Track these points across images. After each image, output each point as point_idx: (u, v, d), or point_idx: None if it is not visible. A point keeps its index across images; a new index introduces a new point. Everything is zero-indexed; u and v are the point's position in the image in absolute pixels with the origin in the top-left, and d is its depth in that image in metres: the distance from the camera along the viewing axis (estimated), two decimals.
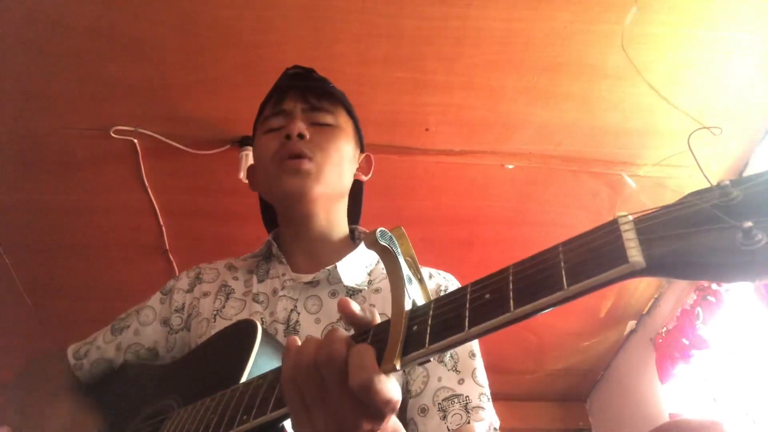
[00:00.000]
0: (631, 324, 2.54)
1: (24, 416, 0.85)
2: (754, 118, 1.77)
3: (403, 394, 0.81)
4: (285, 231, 1.01)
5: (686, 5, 1.51)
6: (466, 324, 0.46)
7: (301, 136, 0.95)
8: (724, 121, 1.77)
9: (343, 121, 1.03)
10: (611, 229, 0.42)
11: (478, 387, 0.81)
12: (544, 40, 1.60)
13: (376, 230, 0.51)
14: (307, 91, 1.01)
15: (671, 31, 1.56)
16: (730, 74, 1.66)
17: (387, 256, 0.52)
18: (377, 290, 0.92)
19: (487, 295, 0.47)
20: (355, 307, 0.54)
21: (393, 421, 0.55)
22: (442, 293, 0.90)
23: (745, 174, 1.88)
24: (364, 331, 0.54)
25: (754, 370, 1.85)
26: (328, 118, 1.00)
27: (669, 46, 1.60)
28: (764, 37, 1.56)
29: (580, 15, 1.54)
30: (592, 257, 0.42)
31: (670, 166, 1.91)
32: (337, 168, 0.97)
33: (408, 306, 0.51)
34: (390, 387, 0.48)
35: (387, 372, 0.48)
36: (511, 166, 1.94)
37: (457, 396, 0.79)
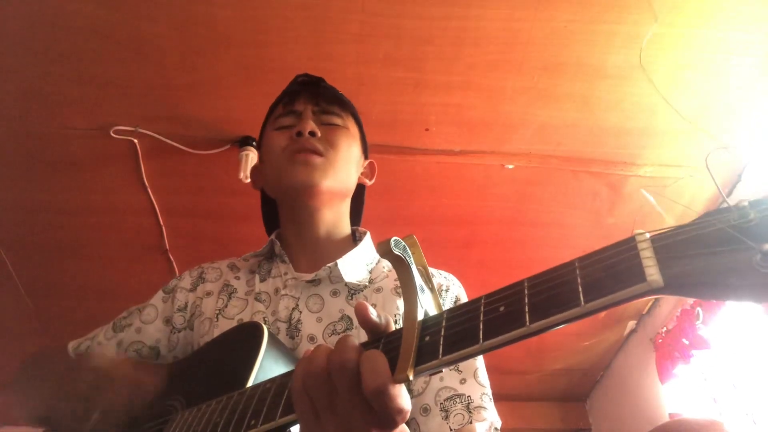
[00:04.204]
0: (631, 324, 2.54)
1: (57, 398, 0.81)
2: (754, 119, 1.77)
3: None
4: (288, 230, 1.02)
5: (686, 5, 1.51)
6: (481, 336, 0.45)
7: (312, 133, 0.96)
8: (723, 122, 1.78)
9: (351, 125, 1.06)
10: (628, 246, 0.42)
11: (480, 387, 0.81)
12: (544, 40, 1.60)
13: (390, 239, 0.51)
14: (318, 96, 1.04)
15: (672, 31, 1.56)
16: (730, 75, 1.66)
17: (400, 265, 0.52)
18: (379, 289, 0.92)
19: (502, 308, 0.46)
20: (372, 313, 0.54)
21: (401, 429, 0.55)
22: (443, 293, 0.90)
23: (744, 175, 1.88)
24: (375, 340, 0.54)
25: (754, 370, 1.85)
26: (338, 120, 1.03)
27: (669, 47, 1.60)
28: (764, 37, 1.56)
29: (580, 15, 1.54)
30: (609, 274, 0.41)
31: (671, 166, 1.91)
32: (345, 166, 0.99)
33: (420, 316, 0.51)
34: (403, 395, 0.48)
35: (400, 381, 0.47)
36: (511, 166, 1.94)
37: (459, 396, 0.79)
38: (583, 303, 0.41)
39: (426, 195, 2.02)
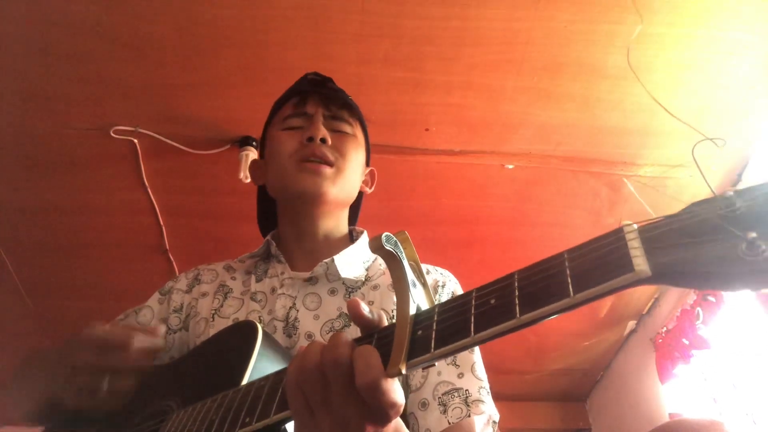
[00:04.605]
0: (631, 324, 2.54)
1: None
2: (754, 119, 1.77)
3: (402, 389, 0.81)
4: (287, 231, 1.02)
5: (686, 6, 1.51)
6: (472, 329, 0.46)
7: (323, 140, 0.97)
8: (723, 122, 1.78)
9: (359, 132, 1.06)
10: (616, 237, 0.43)
11: (478, 380, 0.81)
12: (544, 40, 1.60)
13: (381, 235, 0.51)
14: (328, 100, 1.04)
15: (671, 31, 1.57)
16: (730, 75, 1.66)
17: (392, 260, 0.52)
18: (375, 287, 0.92)
19: (493, 301, 0.47)
20: (364, 308, 0.54)
21: (396, 422, 0.55)
22: (439, 289, 0.91)
23: (744, 175, 1.88)
24: (368, 335, 0.54)
25: (754, 370, 1.86)
26: (347, 128, 1.03)
27: (669, 47, 1.60)
28: (764, 37, 1.56)
29: (580, 15, 1.54)
30: (597, 265, 0.42)
31: (671, 166, 1.91)
32: (353, 175, 1.00)
33: (413, 311, 0.51)
34: (396, 389, 0.48)
35: (392, 376, 0.48)
36: (511, 166, 1.94)
37: (457, 390, 0.79)
38: (572, 294, 0.41)
39: (426, 195, 2.02)
